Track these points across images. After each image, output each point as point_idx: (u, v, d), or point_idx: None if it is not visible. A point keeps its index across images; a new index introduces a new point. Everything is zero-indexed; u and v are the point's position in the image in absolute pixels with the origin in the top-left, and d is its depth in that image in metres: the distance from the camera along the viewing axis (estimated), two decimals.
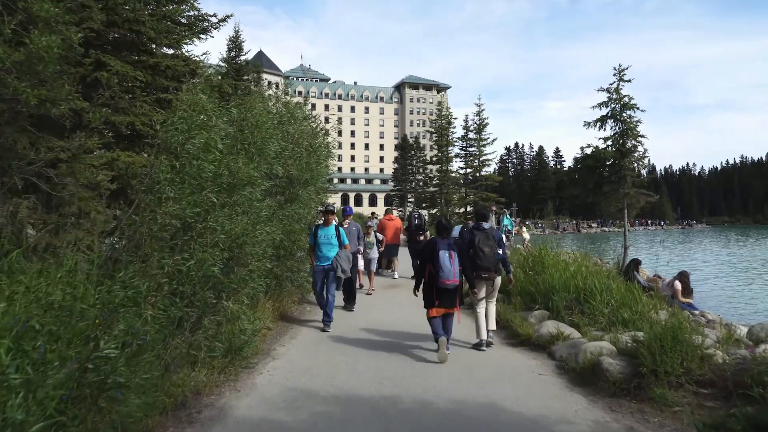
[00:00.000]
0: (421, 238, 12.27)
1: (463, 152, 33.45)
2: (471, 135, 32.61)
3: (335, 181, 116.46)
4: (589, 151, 15.58)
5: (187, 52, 11.30)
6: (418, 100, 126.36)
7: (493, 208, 15.63)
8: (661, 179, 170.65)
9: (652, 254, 39.12)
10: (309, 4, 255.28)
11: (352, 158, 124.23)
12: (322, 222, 8.47)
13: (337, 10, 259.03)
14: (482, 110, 31.91)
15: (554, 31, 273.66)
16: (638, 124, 14.57)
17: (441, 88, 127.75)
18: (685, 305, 10.66)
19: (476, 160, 32.60)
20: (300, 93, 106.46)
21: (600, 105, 14.77)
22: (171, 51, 10.94)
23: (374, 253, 12.31)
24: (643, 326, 6.77)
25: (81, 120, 6.13)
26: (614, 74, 14.71)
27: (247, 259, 5.92)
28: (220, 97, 8.52)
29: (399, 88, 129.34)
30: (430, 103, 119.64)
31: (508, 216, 19.49)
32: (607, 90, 14.77)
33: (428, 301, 6.54)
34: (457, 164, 34.70)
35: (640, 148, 14.81)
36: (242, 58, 27.29)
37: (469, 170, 33.25)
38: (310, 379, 5.95)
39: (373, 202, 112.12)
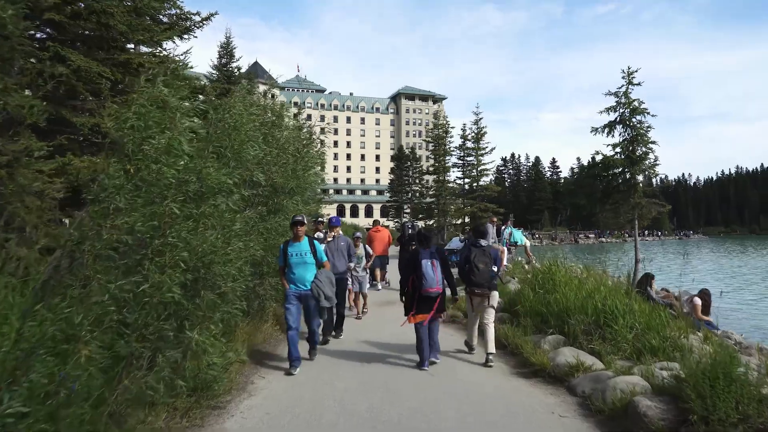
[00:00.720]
0: (414, 248, 11.78)
1: (460, 162, 32.63)
2: (469, 144, 31.76)
3: (331, 192, 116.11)
4: (598, 158, 14.57)
5: (166, 51, 10.50)
6: (414, 111, 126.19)
7: (494, 219, 14.74)
8: (658, 189, 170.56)
9: (655, 266, 38.33)
10: (305, 16, 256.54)
11: (348, 169, 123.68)
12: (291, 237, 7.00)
13: (333, 22, 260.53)
14: (480, 119, 31.20)
15: (550, 41, 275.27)
16: (649, 129, 13.76)
17: (437, 99, 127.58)
18: (704, 324, 9.81)
19: (474, 170, 31.75)
20: (296, 104, 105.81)
21: (608, 110, 13.93)
22: (149, 50, 10.15)
23: (361, 270, 10.56)
24: (675, 355, 5.91)
25: (22, 119, 5.30)
26: (623, 77, 13.90)
27: (216, 280, 5.03)
28: (193, 95, 7.65)
29: (395, 98, 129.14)
30: (426, 114, 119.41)
31: (511, 226, 18.58)
32: (615, 94, 13.95)
33: (411, 308, 6.66)
34: (454, 174, 34.01)
35: (651, 156, 13.93)
36: (234, 65, 26.49)
37: (467, 180, 32.47)
38: (291, 420, 5.06)
39: (369, 213, 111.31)
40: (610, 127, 13.91)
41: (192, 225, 4.77)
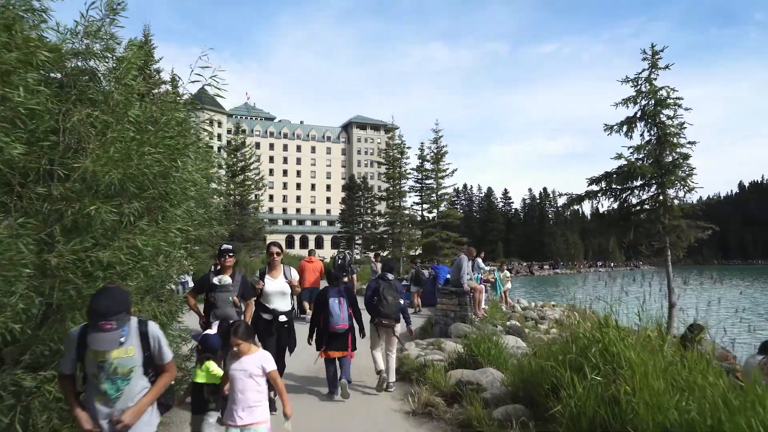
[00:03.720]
0: (345, 279, 11.28)
1: (418, 185, 29.04)
2: (427, 165, 28.34)
3: (280, 222, 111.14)
4: (617, 164, 10.81)
5: None
6: (366, 140, 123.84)
7: (472, 251, 11.32)
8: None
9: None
10: (256, 49, 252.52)
11: (298, 199, 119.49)
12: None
13: (284, 55, 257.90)
14: (440, 137, 27.72)
15: (496, 79, 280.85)
16: (683, 127, 10.48)
17: (389, 129, 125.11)
18: None
19: (434, 194, 28.26)
20: (244, 131, 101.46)
21: (626, 102, 10.53)
22: None
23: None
24: None
25: None
26: (644, 57, 10.46)
27: None
28: None
29: (346, 127, 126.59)
30: (378, 143, 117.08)
31: (480, 259, 15.17)
32: (634, 81, 10.66)
33: (320, 344, 6.87)
34: (410, 200, 30.62)
35: (684, 164, 10.38)
36: (154, 67, 22.47)
37: (425, 206, 28.91)
38: None
39: (319, 244, 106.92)
40: (629, 124, 10.42)
41: None
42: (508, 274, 16.31)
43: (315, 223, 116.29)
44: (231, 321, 5.11)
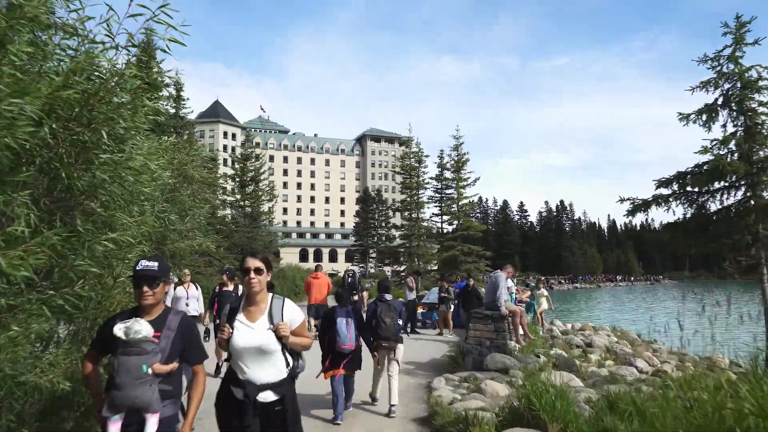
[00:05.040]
0: (355, 297, 11.39)
1: (437, 195, 27.25)
2: (447, 174, 26.66)
3: (294, 235, 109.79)
4: (703, 158, 8.43)
5: None
6: (380, 153, 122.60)
7: (509, 270, 9.69)
8: (623, 234, 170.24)
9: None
10: (269, 65, 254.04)
11: (312, 212, 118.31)
12: None
13: (297, 71, 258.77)
14: (461, 143, 26.06)
15: (506, 92, 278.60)
16: None
17: (403, 141, 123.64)
18: None
19: (454, 205, 26.41)
20: (258, 144, 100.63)
21: (704, 85, 8.62)
22: None
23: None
24: None
25: None
26: (726, 31, 8.44)
27: None
28: None
29: (360, 140, 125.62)
30: (393, 155, 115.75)
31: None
32: (715, 59, 8.60)
33: (327, 362, 6.71)
34: (429, 211, 28.97)
35: None
36: (155, 69, 21.25)
37: (445, 218, 27.08)
38: None
39: (333, 257, 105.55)
40: (709, 113, 8.39)
41: None
42: (545, 292, 14.57)
43: (329, 236, 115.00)
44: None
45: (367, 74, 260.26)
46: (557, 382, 7.48)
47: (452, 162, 26.42)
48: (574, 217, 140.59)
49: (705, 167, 8.01)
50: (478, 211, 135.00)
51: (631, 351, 10.66)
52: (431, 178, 27.70)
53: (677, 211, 8.66)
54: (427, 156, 29.28)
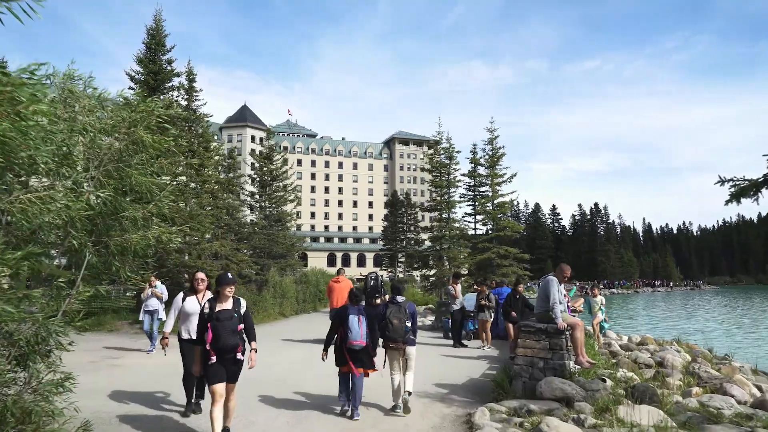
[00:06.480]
0: (378, 301, 10.60)
1: (470, 193, 25.16)
2: (481, 170, 24.51)
3: (321, 240, 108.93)
4: None
5: None
6: (409, 156, 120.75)
7: (566, 274, 7.92)
8: (659, 238, 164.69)
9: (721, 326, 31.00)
10: (298, 72, 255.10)
11: (340, 216, 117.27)
12: None
13: (326, 77, 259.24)
14: (496, 137, 23.90)
15: (536, 96, 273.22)
16: None
17: (432, 144, 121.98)
18: None
19: (489, 203, 24.24)
20: (286, 148, 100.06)
21: None
22: None
23: None
24: None
25: None
26: None
27: None
28: None
29: (388, 143, 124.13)
30: (422, 159, 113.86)
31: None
32: None
33: (339, 359, 7.07)
34: (461, 211, 27.16)
35: None
36: (165, 57, 19.97)
37: (478, 218, 24.97)
38: None
39: (361, 262, 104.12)
40: None
41: None
42: (602, 299, 12.59)
43: (357, 240, 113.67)
44: None
45: (396, 80, 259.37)
46: (643, 421, 5.65)
47: (486, 157, 24.44)
48: (609, 221, 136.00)
49: None
50: (510, 214, 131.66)
51: (720, 374, 8.67)
52: (463, 175, 25.69)
53: None
54: (458, 152, 27.15)
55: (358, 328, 6.86)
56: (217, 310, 5.42)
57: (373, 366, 7.10)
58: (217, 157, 27.67)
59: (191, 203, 19.46)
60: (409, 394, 7.08)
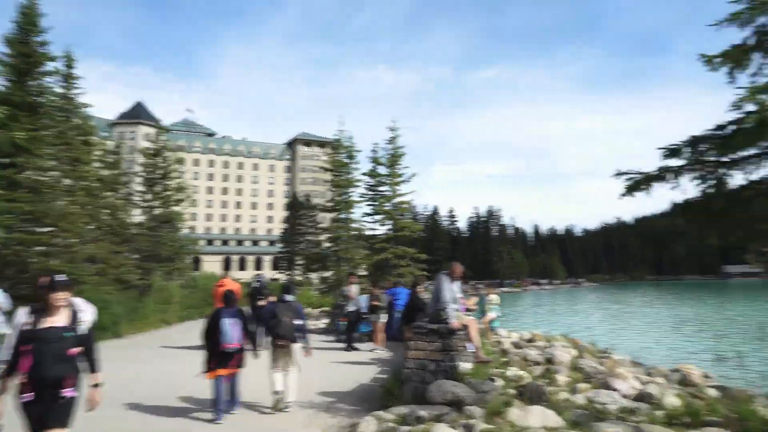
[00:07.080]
0: (261, 303, 11.40)
1: (370, 193, 24.82)
2: (381, 170, 24.31)
3: (217, 242, 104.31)
4: (746, 109, 5.73)
5: None
6: (312, 158, 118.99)
7: (457, 272, 7.66)
8: (547, 239, 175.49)
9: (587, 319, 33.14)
10: (199, 68, 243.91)
11: (238, 218, 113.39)
12: None
13: (230, 76, 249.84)
14: (397, 136, 23.94)
15: (440, 102, 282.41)
16: None
17: (335, 145, 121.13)
18: None
19: (388, 203, 24.10)
20: (182, 148, 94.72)
21: (734, 18, 5.48)
22: None
23: None
24: None
25: None
26: None
27: None
28: None
29: (291, 144, 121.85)
30: (324, 160, 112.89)
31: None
32: None
33: (211, 362, 6.88)
34: (361, 210, 26.60)
35: None
36: (38, 39, 17.76)
37: (377, 216, 24.71)
38: None
39: (259, 265, 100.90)
40: (737, 57, 5.67)
41: None
42: (496, 298, 12.63)
43: (255, 243, 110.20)
44: None
45: (303, 82, 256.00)
46: (535, 423, 5.40)
47: (387, 157, 24.25)
48: (502, 223, 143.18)
49: (736, 126, 5.71)
50: (409, 215, 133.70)
51: (604, 368, 8.81)
52: (363, 174, 25.30)
53: (689, 188, 6.44)
54: (359, 151, 26.78)
55: (231, 330, 6.87)
56: (41, 327, 3.93)
57: (242, 365, 7.13)
58: (99, 152, 25.26)
59: (62, 201, 17.43)
60: (290, 402, 7.13)
